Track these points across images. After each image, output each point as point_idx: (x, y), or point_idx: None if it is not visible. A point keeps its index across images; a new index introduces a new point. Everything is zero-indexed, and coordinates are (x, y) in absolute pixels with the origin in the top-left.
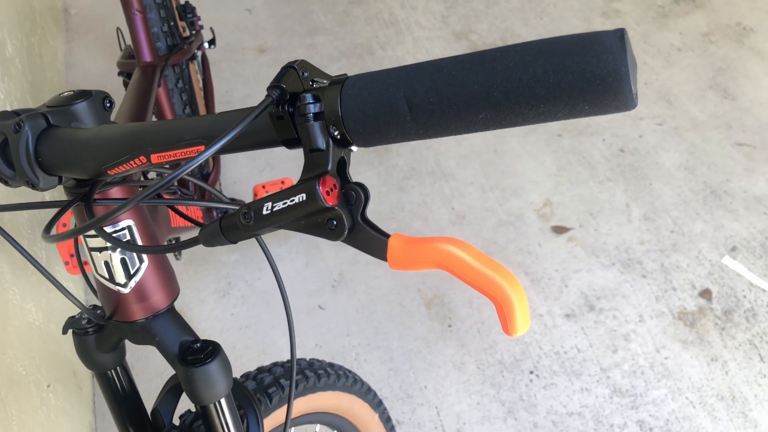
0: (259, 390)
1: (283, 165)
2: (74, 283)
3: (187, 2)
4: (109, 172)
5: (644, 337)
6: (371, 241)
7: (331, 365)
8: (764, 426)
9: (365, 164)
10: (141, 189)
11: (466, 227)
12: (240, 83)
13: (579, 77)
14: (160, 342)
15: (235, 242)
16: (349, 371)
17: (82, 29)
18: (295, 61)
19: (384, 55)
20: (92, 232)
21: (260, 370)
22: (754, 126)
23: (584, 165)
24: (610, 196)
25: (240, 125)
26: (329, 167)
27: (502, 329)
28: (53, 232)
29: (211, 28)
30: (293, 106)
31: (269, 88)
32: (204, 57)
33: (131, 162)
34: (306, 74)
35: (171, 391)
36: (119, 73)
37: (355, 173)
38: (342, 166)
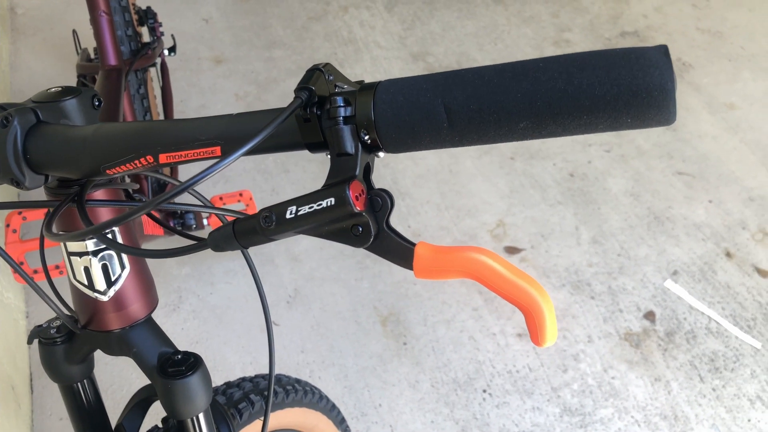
0: (229, 405)
1: (239, 178)
2: (15, 294)
3: (149, 7)
4: (107, 171)
5: (593, 357)
6: (397, 248)
7: (298, 381)
8: None
9: (323, 179)
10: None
11: None
12: (195, 93)
13: (625, 90)
14: (138, 353)
15: (247, 247)
16: (315, 387)
17: (29, 30)
18: (321, 63)
19: (342, 72)
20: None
21: (229, 384)
22: (693, 156)
23: (536, 188)
24: (561, 219)
25: (270, 126)
26: (357, 172)
27: (531, 339)
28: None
29: (172, 35)
30: (321, 109)
31: (297, 90)
32: (164, 64)
33: (136, 161)
34: (331, 78)
35: (138, 406)
36: (79, 76)
37: (312, 188)
38: (367, 172)
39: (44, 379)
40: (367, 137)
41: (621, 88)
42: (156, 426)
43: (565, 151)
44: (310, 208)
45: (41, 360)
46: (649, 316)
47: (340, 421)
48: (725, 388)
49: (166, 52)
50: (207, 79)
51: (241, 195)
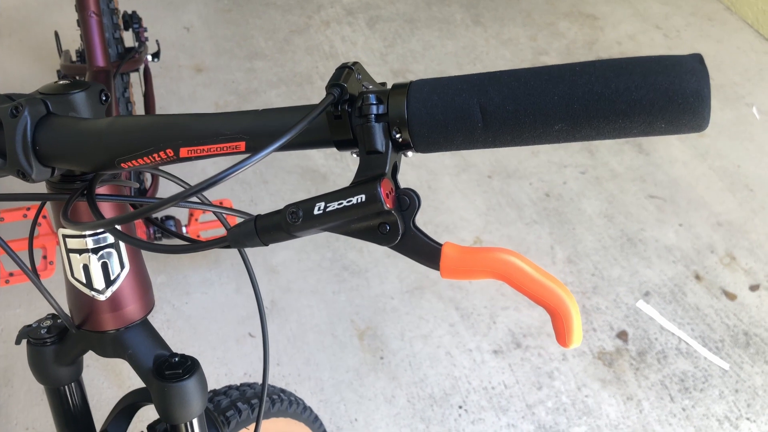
0: (217, 413)
1: (217, 188)
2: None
3: (134, 12)
4: (122, 165)
5: (567, 375)
6: (423, 248)
7: (283, 391)
8: None
9: (302, 191)
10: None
11: (400, 260)
12: (174, 101)
13: (662, 95)
14: (133, 355)
15: (267, 244)
16: (299, 398)
17: (5, 31)
18: (350, 62)
19: (323, 86)
20: (75, 231)
21: (215, 392)
22: (665, 181)
23: (512, 206)
24: (537, 238)
25: (302, 123)
26: (387, 170)
27: (556, 340)
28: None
29: (156, 41)
30: (351, 107)
31: (329, 87)
32: (147, 69)
33: (154, 155)
34: (359, 76)
35: (123, 411)
36: (63, 77)
37: (291, 200)
38: (394, 171)
39: (10, 387)
40: (398, 136)
41: (657, 93)
42: (142, 431)
43: (541, 171)
44: (339, 204)
45: (29, 361)
46: (622, 335)
47: None
48: (694, 408)
49: (149, 57)
50: (187, 87)
51: (221, 203)
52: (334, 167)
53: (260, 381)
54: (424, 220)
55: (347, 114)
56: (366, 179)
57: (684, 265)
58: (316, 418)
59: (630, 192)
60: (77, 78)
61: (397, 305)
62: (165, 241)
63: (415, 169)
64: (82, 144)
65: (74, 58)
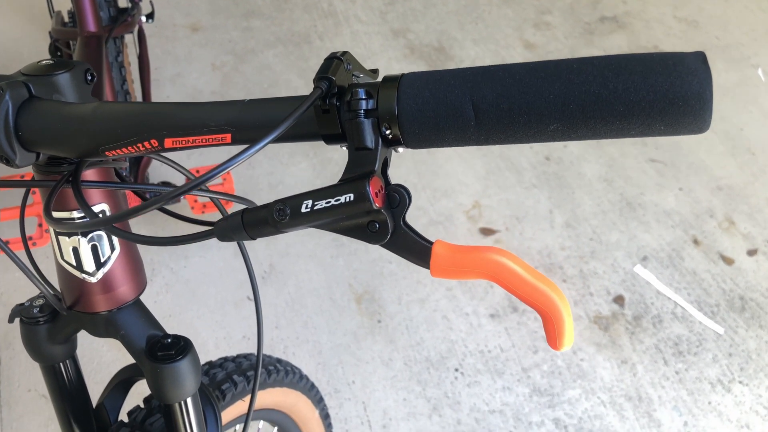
0: (213, 386)
1: (214, 149)
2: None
3: None
4: (107, 153)
5: None
6: (413, 246)
7: (279, 361)
8: (666, 425)
9: (300, 155)
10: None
11: None
12: (170, 61)
13: (661, 97)
14: (126, 336)
15: (255, 238)
16: (295, 367)
17: None
18: (340, 52)
19: (322, 46)
20: (63, 215)
21: (211, 365)
22: (666, 144)
23: (512, 170)
24: (535, 202)
25: (290, 119)
26: (376, 167)
27: (547, 343)
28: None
29: (150, 1)
30: (340, 100)
31: (316, 80)
32: (141, 31)
33: (139, 145)
34: (349, 67)
35: (119, 386)
36: (54, 41)
37: (290, 163)
38: (384, 167)
39: (11, 350)
40: (388, 132)
41: (657, 95)
42: (138, 406)
43: None
44: (327, 203)
45: (23, 339)
46: (619, 300)
47: (318, 400)
48: (688, 372)
49: (143, 18)
50: (182, 47)
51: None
52: None
53: (247, 348)
54: (422, 185)
55: (335, 108)
56: (355, 177)
57: (683, 230)
58: (313, 386)
59: (631, 155)
60: (70, 43)
61: (394, 269)
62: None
63: None
64: (66, 130)
65: (66, 20)
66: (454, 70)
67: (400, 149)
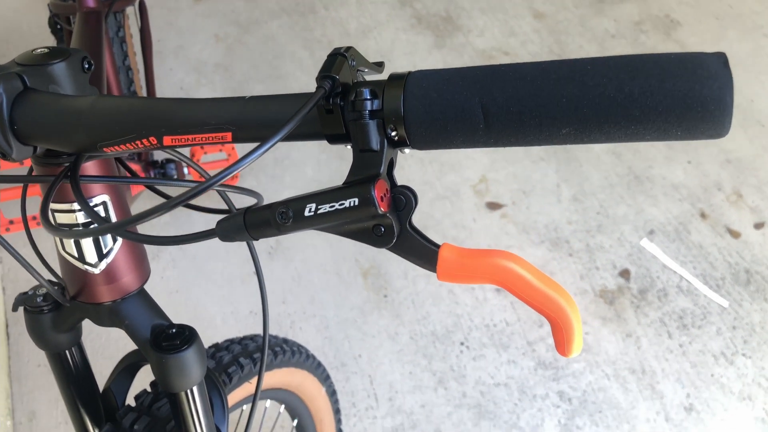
0: (219, 370)
1: None
2: None
3: None
4: (105, 149)
5: None
6: (420, 250)
7: (285, 341)
8: (669, 397)
9: None
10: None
11: None
12: (173, 33)
13: (679, 102)
14: (130, 326)
15: (257, 239)
16: (302, 347)
17: None
18: (344, 47)
19: (327, 16)
20: (64, 207)
21: (218, 348)
22: None
23: None
24: (543, 176)
25: (293, 120)
26: (382, 170)
27: (556, 349)
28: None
29: None
30: (344, 100)
31: (319, 78)
32: (142, 3)
33: (137, 142)
34: (353, 63)
35: (125, 371)
36: (53, 15)
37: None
38: (390, 167)
39: (20, 326)
40: (394, 133)
41: (675, 100)
42: (145, 390)
43: None
44: (331, 207)
45: (27, 328)
46: (624, 274)
47: (324, 378)
48: (691, 345)
49: None
50: (185, 18)
51: (222, 144)
52: None
53: (254, 324)
54: (429, 159)
55: (339, 108)
56: (359, 180)
57: (690, 203)
58: (319, 364)
59: None
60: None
61: None
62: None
63: None
64: (62, 125)
65: None
66: (462, 69)
67: (407, 150)
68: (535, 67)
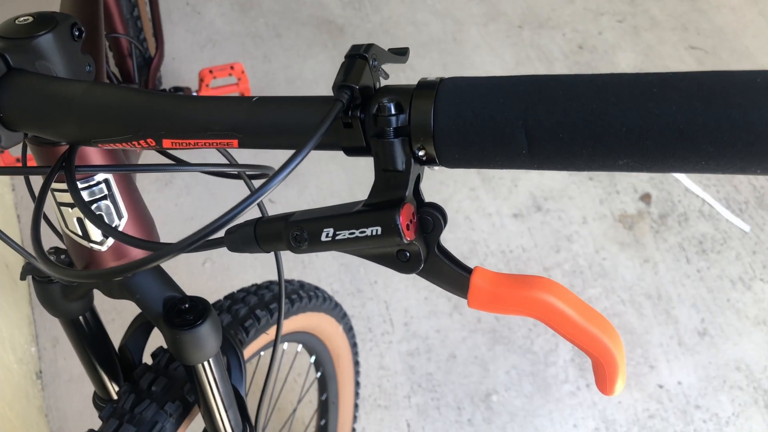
0: (235, 325)
1: (227, 42)
2: None
3: None
4: (100, 145)
5: (586, 238)
6: (449, 275)
7: (302, 285)
8: (683, 322)
9: (318, 46)
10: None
11: None
12: None
13: (764, 138)
14: (141, 300)
15: (268, 252)
16: (318, 289)
17: None
18: (364, 45)
19: None
20: (63, 186)
21: (233, 300)
22: (708, 29)
23: (542, 60)
24: None
25: (311, 142)
26: (408, 192)
27: (596, 385)
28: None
29: None
30: (365, 111)
31: (337, 88)
32: None
33: (134, 142)
34: (375, 63)
35: (140, 329)
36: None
37: (308, 55)
38: (417, 182)
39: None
40: (422, 153)
41: (759, 137)
42: (161, 347)
43: (576, 19)
44: (351, 233)
45: (37, 296)
46: (645, 198)
47: (341, 316)
48: (709, 270)
49: None
50: None
51: (232, 68)
52: (353, 18)
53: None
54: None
55: (359, 122)
56: (382, 203)
57: None
58: (336, 304)
59: (669, 43)
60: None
61: None
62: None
63: (440, 18)
64: (53, 114)
65: None
66: (503, 79)
67: (436, 168)
68: (589, 84)
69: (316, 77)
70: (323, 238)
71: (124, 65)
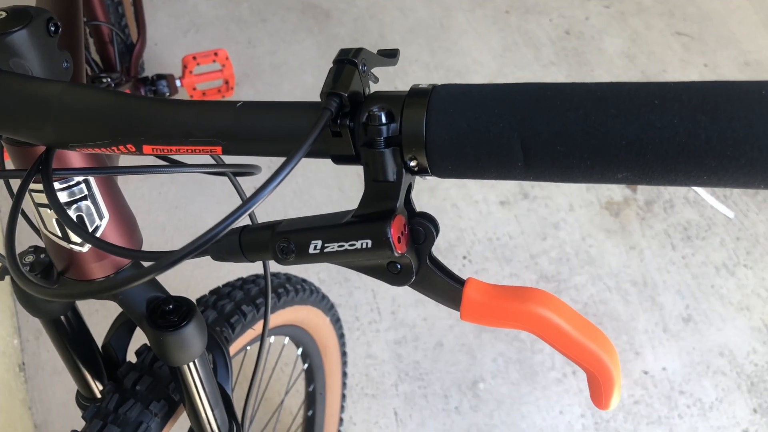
0: (220, 321)
1: (211, 26)
2: None
3: None
4: (78, 149)
5: (572, 225)
6: (442, 287)
7: (289, 279)
8: (668, 309)
9: (303, 31)
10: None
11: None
12: None
13: None
14: (124, 300)
15: (253, 261)
16: (305, 281)
17: None
18: (353, 50)
19: None
20: (41, 187)
21: (219, 295)
22: (695, 15)
23: (529, 46)
24: (553, 80)
25: (298, 154)
26: (399, 204)
27: (591, 400)
28: None
29: None
30: (354, 119)
31: (325, 96)
32: None
33: (113, 147)
34: (364, 68)
35: (124, 326)
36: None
37: (293, 41)
38: (408, 192)
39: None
40: (413, 163)
41: (762, 151)
42: (145, 345)
43: (563, 5)
44: (340, 246)
45: (16, 296)
46: (632, 186)
47: (329, 308)
48: (694, 256)
49: None
50: None
51: (216, 54)
52: (339, 2)
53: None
54: (435, 64)
55: (348, 130)
56: (373, 215)
57: None
58: (324, 296)
59: (656, 28)
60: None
61: None
62: None
63: (427, 4)
64: (28, 116)
65: None
66: (497, 87)
67: (428, 177)
68: (588, 94)
69: (301, 63)
70: (311, 250)
71: (106, 52)
